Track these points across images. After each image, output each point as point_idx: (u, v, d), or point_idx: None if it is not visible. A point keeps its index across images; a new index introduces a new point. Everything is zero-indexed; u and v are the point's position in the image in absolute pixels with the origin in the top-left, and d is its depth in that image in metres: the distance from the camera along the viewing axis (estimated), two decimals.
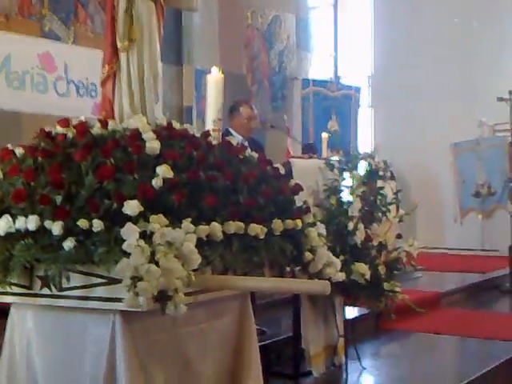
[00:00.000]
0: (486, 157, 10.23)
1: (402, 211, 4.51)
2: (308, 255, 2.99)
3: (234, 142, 3.01)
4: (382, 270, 4.12)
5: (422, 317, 5.02)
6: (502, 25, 11.16)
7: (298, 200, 3.07)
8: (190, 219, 2.40)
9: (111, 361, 2.36)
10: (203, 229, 2.45)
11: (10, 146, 2.70)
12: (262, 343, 3.57)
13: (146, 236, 2.26)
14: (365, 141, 11.89)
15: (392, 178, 4.65)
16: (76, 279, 2.34)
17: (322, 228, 3.16)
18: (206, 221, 2.49)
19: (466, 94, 10.97)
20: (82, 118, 2.74)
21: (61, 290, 2.37)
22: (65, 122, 2.69)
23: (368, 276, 3.95)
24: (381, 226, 4.30)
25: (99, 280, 2.31)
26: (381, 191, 4.32)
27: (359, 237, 4.03)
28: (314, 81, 10.93)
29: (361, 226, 4.06)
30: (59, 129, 2.69)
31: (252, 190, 2.76)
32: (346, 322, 4.42)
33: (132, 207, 2.29)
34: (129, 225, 2.25)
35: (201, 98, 8.66)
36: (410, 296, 4.35)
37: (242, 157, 2.93)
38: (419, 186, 10.89)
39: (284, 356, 4.39)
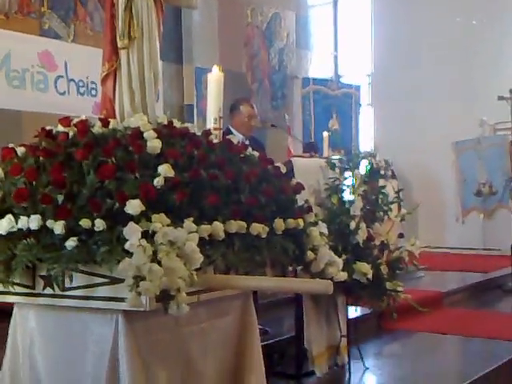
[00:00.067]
0: (487, 156, 10.21)
1: (403, 210, 4.50)
2: (310, 254, 2.98)
3: (235, 141, 3.00)
4: (384, 269, 4.11)
5: (425, 316, 5.01)
6: (503, 24, 11.15)
7: (300, 199, 3.06)
8: (191, 218, 2.39)
9: (113, 360, 2.35)
10: (205, 228, 2.45)
11: (11, 145, 2.68)
12: (265, 343, 3.55)
13: (147, 235, 2.25)
14: (365, 140, 11.88)
15: (393, 176, 4.64)
16: (78, 279, 2.34)
17: (323, 227, 3.15)
18: (207, 220, 2.48)
19: (466, 92, 10.96)
20: (83, 117, 2.73)
21: (63, 289, 2.36)
22: (66, 121, 2.68)
23: (370, 275, 3.94)
24: (383, 225, 4.28)
25: (101, 280, 2.31)
26: (382, 190, 4.31)
27: (361, 236, 4.02)
28: (314, 79, 10.93)
29: (363, 225, 4.05)
30: (60, 128, 2.68)
31: (253, 189, 2.75)
32: (349, 321, 4.41)
33: (134, 206, 2.28)
34: (131, 224, 2.24)
35: (201, 97, 8.66)
36: (413, 295, 4.34)
37: (243, 156, 2.92)
38: (420, 185, 10.87)
39: (286, 356, 4.38)
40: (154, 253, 2.20)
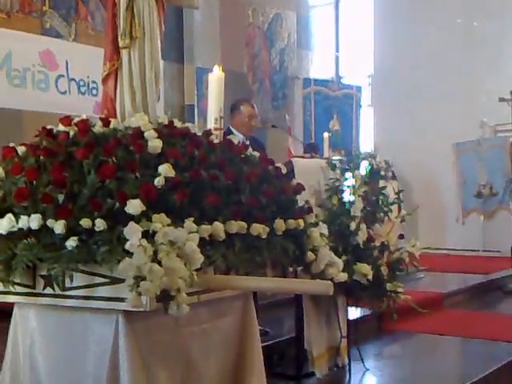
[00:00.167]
0: (488, 157, 10.22)
1: (404, 211, 4.49)
2: (310, 255, 2.98)
3: (236, 141, 3.00)
4: (384, 270, 4.11)
5: (425, 318, 4.99)
6: (503, 25, 11.14)
7: (300, 200, 3.06)
8: (192, 218, 2.39)
9: (114, 360, 2.35)
10: (206, 228, 2.44)
11: (11, 145, 2.68)
12: (265, 344, 3.54)
13: (148, 235, 2.25)
14: (366, 140, 11.88)
15: (394, 177, 4.64)
16: (79, 279, 2.34)
17: (324, 228, 3.14)
18: (208, 220, 2.48)
19: (467, 94, 10.96)
20: (84, 116, 2.73)
21: (64, 289, 2.36)
22: (67, 120, 2.68)
23: (370, 276, 3.93)
24: (383, 226, 4.28)
25: (102, 280, 2.30)
26: (383, 191, 4.30)
27: (361, 237, 4.01)
28: (315, 80, 10.94)
29: (363, 226, 4.04)
30: (61, 127, 2.68)
31: (254, 189, 2.75)
32: (349, 322, 4.41)
33: (134, 206, 2.28)
34: (131, 224, 2.23)
35: (202, 97, 8.66)
36: (413, 297, 4.34)
37: (243, 156, 2.92)
38: (421, 186, 10.87)
39: (286, 357, 4.37)
40: (155, 253, 2.20)
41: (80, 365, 2.42)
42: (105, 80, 2.89)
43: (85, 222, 2.28)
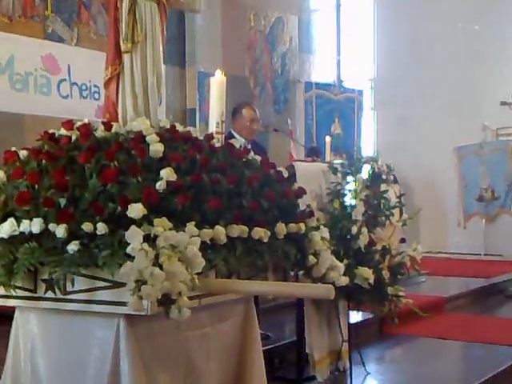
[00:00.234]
0: (490, 161, 10.22)
1: (405, 215, 4.49)
2: (311, 259, 2.98)
3: (237, 145, 3.00)
4: (385, 274, 4.11)
5: (426, 321, 5.01)
6: (505, 29, 11.15)
7: (302, 204, 3.06)
8: (193, 222, 2.39)
9: (115, 364, 2.35)
10: (207, 232, 2.45)
11: (13, 149, 2.68)
12: (266, 348, 3.54)
13: (149, 239, 2.25)
14: (367, 144, 11.88)
15: (395, 181, 4.64)
16: (80, 283, 2.34)
17: (325, 232, 3.14)
18: (209, 224, 2.49)
19: (469, 98, 10.96)
20: (86, 121, 2.73)
21: (65, 293, 2.36)
22: (69, 125, 2.69)
23: (372, 280, 3.93)
24: (384, 230, 4.28)
25: (103, 283, 2.30)
26: (384, 195, 4.30)
27: (363, 241, 4.02)
28: (316, 84, 10.94)
29: (364, 230, 4.05)
30: (63, 131, 2.68)
31: (255, 193, 2.75)
32: (350, 326, 4.40)
33: (136, 210, 2.28)
34: (133, 228, 2.24)
35: (204, 101, 8.66)
36: (414, 301, 4.34)
37: (245, 160, 2.92)
38: (422, 190, 10.86)
39: (288, 361, 4.37)
40: (156, 257, 2.20)
41: (81, 368, 2.42)
42: (107, 84, 2.90)
43: (86, 226, 2.28)
